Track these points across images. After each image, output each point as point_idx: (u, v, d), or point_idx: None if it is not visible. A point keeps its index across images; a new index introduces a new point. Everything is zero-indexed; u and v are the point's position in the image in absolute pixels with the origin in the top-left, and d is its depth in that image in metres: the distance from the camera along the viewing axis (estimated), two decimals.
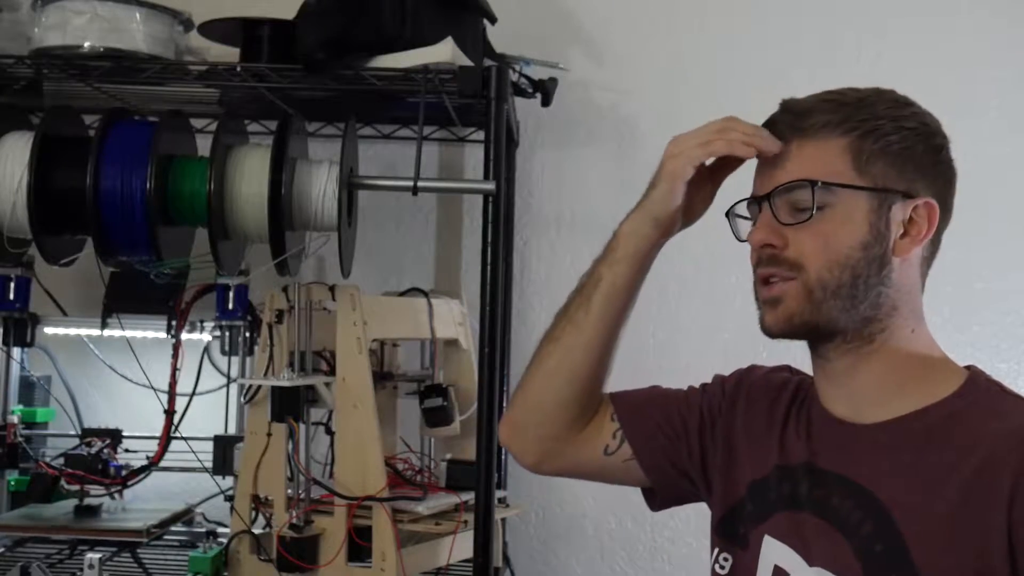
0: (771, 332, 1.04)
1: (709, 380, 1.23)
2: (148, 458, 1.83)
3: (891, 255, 1.00)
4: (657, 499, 1.25)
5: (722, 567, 1.13)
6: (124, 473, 1.81)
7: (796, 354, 1.12)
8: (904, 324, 1.02)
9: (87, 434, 1.87)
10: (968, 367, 1.04)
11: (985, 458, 0.93)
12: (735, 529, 1.11)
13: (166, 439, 1.80)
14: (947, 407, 0.99)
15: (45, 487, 1.77)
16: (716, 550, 1.14)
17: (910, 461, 0.97)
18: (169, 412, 1.81)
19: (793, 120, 1.03)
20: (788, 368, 1.19)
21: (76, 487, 1.78)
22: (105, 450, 1.81)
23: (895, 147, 1.01)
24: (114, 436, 1.86)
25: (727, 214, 1.12)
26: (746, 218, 1.10)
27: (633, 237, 1.20)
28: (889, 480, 0.98)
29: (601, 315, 1.18)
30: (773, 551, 1.05)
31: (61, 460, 1.82)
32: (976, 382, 1.01)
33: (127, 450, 1.88)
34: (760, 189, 1.06)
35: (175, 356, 1.82)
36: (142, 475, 1.82)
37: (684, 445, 1.18)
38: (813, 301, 1.00)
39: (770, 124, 1.06)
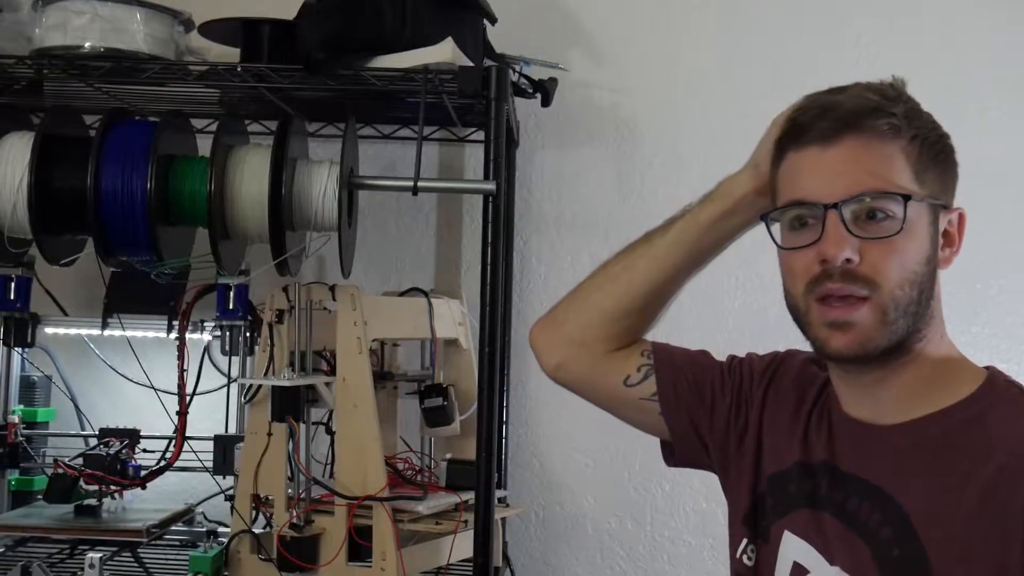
0: (841, 357, 0.98)
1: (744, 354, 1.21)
2: (165, 459, 1.82)
3: (936, 266, 0.99)
4: (675, 455, 1.23)
5: (749, 558, 1.11)
6: (144, 474, 1.81)
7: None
8: (937, 331, 1.01)
9: (105, 434, 1.87)
10: (988, 368, 1.02)
11: (1003, 465, 0.91)
12: (759, 521, 1.10)
13: (181, 440, 1.81)
14: (966, 409, 0.97)
15: (64, 487, 1.77)
16: (744, 541, 1.12)
17: (929, 464, 0.96)
18: (182, 413, 1.81)
19: (849, 117, 0.96)
20: (819, 362, 1.14)
21: (94, 487, 1.78)
22: (123, 451, 1.82)
23: (940, 156, 0.99)
24: (132, 436, 1.86)
25: (765, 218, 1.04)
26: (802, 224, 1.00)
27: (730, 181, 1.15)
28: (907, 483, 0.96)
29: (676, 240, 1.17)
30: (793, 547, 1.04)
31: (79, 460, 1.81)
32: (995, 383, 0.99)
33: (143, 450, 1.88)
34: (824, 194, 0.96)
35: (180, 357, 1.82)
36: (157, 476, 1.82)
37: (708, 419, 1.16)
38: (886, 323, 0.95)
39: (814, 119, 0.99)
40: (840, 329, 0.96)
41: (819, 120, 0.98)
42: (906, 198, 0.94)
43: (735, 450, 1.14)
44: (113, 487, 1.79)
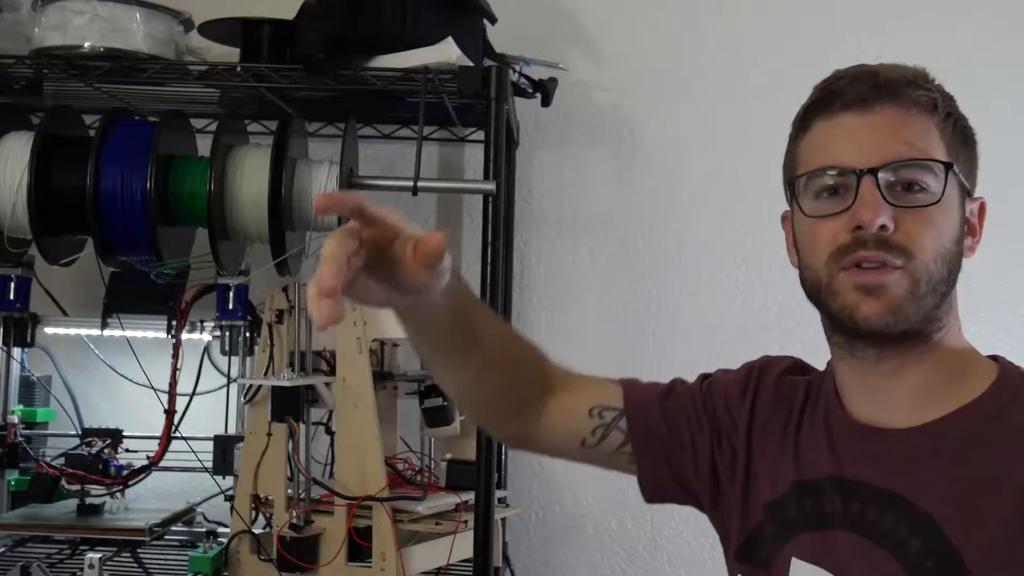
0: (869, 324, 0.90)
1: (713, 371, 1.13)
2: (148, 458, 1.83)
3: (961, 249, 0.94)
4: (654, 498, 1.15)
5: None
6: (125, 473, 1.81)
7: (799, 354, 1.11)
8: (955, 321, 0.95)
9: (87, 434, 1.87)
10: (995, 358, 0.96)
11: None
12: (756, 552, 1.01)
13: (167, 439, 1.81)
14: (986, 406, 0.91)
15: (46, 487, 1.77)
16: None
17: (953, 468, 0.89)
18: (169, 412, 1.81)
19: (888, 85, 0.92)
20: (799, 365, 1.09)
21: (77, 487, 1.78)
22: (105, 450, 1.81)
23: (969, 140, 0.96)
24: (114, 436, 1.86)
25: (789, 182, 0.98)
26: (832, 189, 0.94)
27: None
28: (931, 489, 0.89)
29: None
30: (802, 574, 0.95)
31: (62, 460, 1.81)
32: (1009, 376, 0.93)
33: (127, 450, 1.88)
34: (859, 159, 0.91)
35: (175, 356, 1.83)
36: (143, 475, 1.82)
37: (691, 465, 1.07)
38: (917, 295, 0.89)
39: (848, 85, 0.94)
40: (872, 294, 0.89)
41: (854, 86, 0.93)
42: (948, 166, 0.91)
43: (727, 483, 1.05)
44: (94, 486, 1.78)
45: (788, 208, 1.01)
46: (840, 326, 0.94)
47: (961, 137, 0.94)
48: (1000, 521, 0.85)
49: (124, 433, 1.89)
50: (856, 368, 0.96)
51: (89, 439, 1.84)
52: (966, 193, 0.95)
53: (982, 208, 0.97)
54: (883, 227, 0.89)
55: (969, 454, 0.89)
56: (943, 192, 0.90)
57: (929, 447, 0.91)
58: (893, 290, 0.89)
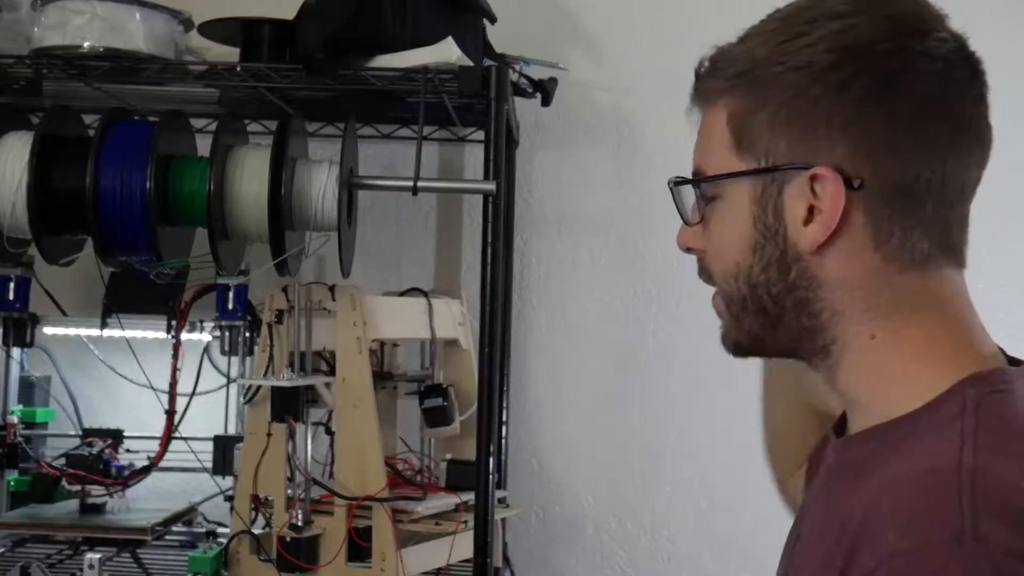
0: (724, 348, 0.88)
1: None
2: (149, 458, 1.82)
3: (797, 250, 0.76)
4: None
5: None
6: (127, 473, 1.81)
7: None
8: (858, 331, 0.76)
9: (88, 434, 1.87)
10: (972, 377, 0.73)
11: (844, 524, 0.69)
12: None
13: (167, 439, 1.80)
14: (890, 430, 0.74)
15: (46, 487, 1.77)
16: None
17: (825, 496, 0.79)
18: (170, 412, 1.81)
19: (697, 81, 0.83)
20: None
21: (77, 487, 1.77)
22: (106, 450, 1.81)
23: (775, 103, 0.75)
24: (115, 436, 1.86)
25: None
26: None
27: None
28: (806, 512, 0.83)
29: None
30: None
31: (62, 460, 1.81)
32: (950, 399, 0.71)
33: (128, 450, 1.88)
34: None
35: (175, 356, 1.82)
36: (143, 476, 1.82)
37: None
38: (733, 314, 0.82)
39: None
40: (718, 316, 0.86)
41: None
42: (680, 182, 0.82)
43: None
44: (95, 487, 1.78)
45: None
46: None
47: (758, 105, 0.76)
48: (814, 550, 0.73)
49: (124, 434, 1.89)
50: None
51: (90, 439, 1.84)
52: (787, 172, 0.75)
53: (826, 179, 0.73)
54: (688, 249, 0.85)
55: (840, 485, 0.76)
56: (704, 208, 0.81)
57: (829, 464, 0.81)
58: (720, 315, 0.84)
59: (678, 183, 0.82)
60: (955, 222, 0.77)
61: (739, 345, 0.83)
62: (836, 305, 0.76)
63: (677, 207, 0.83)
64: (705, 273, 0.84)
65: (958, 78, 0.76)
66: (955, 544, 0.61)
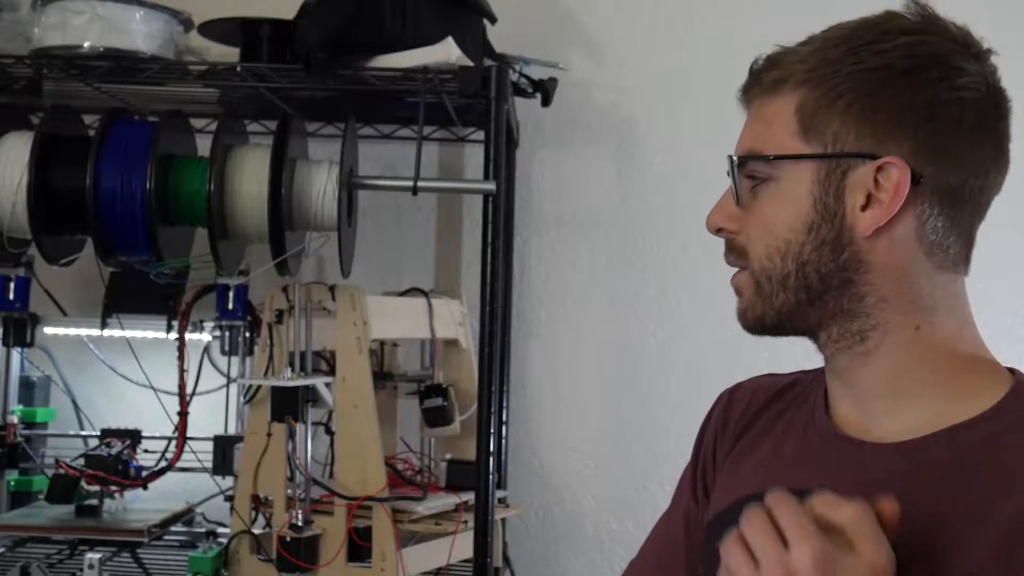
0: (740, 322, 0.90)
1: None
2: (167, 459, 1.82)
3: (850, 232, 0.82)
4: None
5: None
6: (145, 474, 1.81)
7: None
8: (904, 320, 0.82)
9: (106, 435, 1.87)
10: (1013, 371, 0.84)
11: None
12: (704, 571, 0.94)
13: (183, 440, 1.80)
14: (981, 429, 0.79)
15: (66, 488, 1.76)
16: None
17: (929, 496, 0.77)
18: (183, 413, 1.81)
19: (756, 74, 0.89)
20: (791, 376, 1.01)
21: (96, 488, 1.77)
22: (125, 451, 1.81)
23: (849, 97, 0.81)
24: (133, 437, 1.86)
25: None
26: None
27: None
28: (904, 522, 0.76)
29: None
30: None
31: (80, 461, 1.81)
32: (1022, 395, 0.80)
33: (146, 451, 1.88)
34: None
35: (180, 357, 1.82)
36: (160, 476, 1.81)
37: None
38: (762, 294, 0.86)
39: (746, 79, 0.92)
40: (736, 293, 0.90)
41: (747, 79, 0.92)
42: (741, 160, 0.86)
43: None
44: (114, 487, 1.79)
45: None
46: None
47: (832, 98, 0.82)
48: (978, 559, 0.74)
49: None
50: (826, 364, 0.90)
51: (108, 440, 1.84)
52: (853, 160, 0.81)
53: (896, 169, 0.80)
54: (720, 229, 0.89)
55: (951, 483, 0.78)
56: (752, 189, 0.86)
57: (908, 468, 0.80)
58: (743, 293, 0.88)
59: (743, 159, 0.86)
60: (975, 234, 0.86)
61: (761, 321, 0.87)
62: (883, 291, 0.82)
63: (735, 184, 0.87)
64: (736, 252, 0.88)
65: (999, 105, 0.85)
66: None
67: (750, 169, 0.86)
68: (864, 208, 0.81)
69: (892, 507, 0.74)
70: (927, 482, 0.79)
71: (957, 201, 0.82)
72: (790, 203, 0.83)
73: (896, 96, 0.81)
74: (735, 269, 0.90)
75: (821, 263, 0.83)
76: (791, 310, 0.85)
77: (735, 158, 0.87)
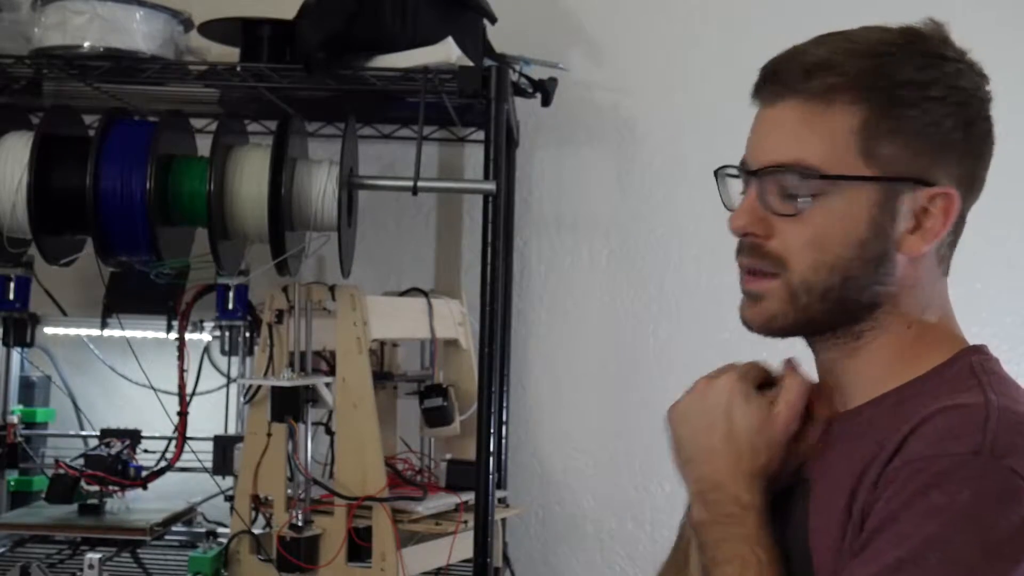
0: (750, 327, 0.91)
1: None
2: (167, 459, 1.82)
3: (894, 251, 0.86)
4: None
5: None
6: (145, 474, 1.81)
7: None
8: (900, 320, 0.88)
9: (106, 435, 1.86)
10: (971, 349, 0.89)
11: (881, 442, 0.81)
12: None
13: (182, 440, 1.80)
14: (903, 391, 0.87)
15: (66, 488, 1.76)
16: None
17: (845, 451, 0.87)
18: (183, 413, 1.81)
19: (798, 76, 0.87)
20: None
21: (96, 488, 1.77)
22: (124, 451, 1.81)
23: (914, 124, 0.84)
24: (133, 437, 1.86)
25: (716, 173, 0.97)
26: (737, 176, 0.93)
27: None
28: (826, 472, 0.88)
29: None
30: None
31: (80, 461, 1.81)
32: (955, 363, 0.87)
33: (145, 451, 1.88)
34: (750, 158, 0.90)
35: (180, 357, 1.82)
36: (160, 476, 1.81)
37: None
38: (796, 305, 0.87)
39: (771, 74, 0.91)
40: (750, 300, 0.90)
41: (765, 77, 0.91)
42: (807, 174, 0.85)
43: None
44: (114, 487, 1.78)
45: None
46: None
47: (898, 122, 0.84)
48: (841, 504, 0.82)
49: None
50: (815, 358, 0.95)
51: (108, 440, 1.84)
52: (908, 183, 0.85)
53: (947, 199, 0.86)
54: (747, 234, 0.88)
55: (861, 439, 0.85)
56: (815, 197, 0.85)
57: (841, 431, 0.90)
58: (769, 299, 0.88)
59: (787, 167, 0.86)
60: None
61: (787, 329, 0.90)
62: (896, 300, 0.88)
63: (764, 189, 0.87)
64: (769, 259, 0.88)
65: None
66: (971, 456, 0.76)
67: (796, 179, 0.85)
68: (912, 231, 0.86)
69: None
70: (849, 438, 0.87)
71: (963, 218, 0.90)
72: (846, 221, 0.85)
73: (954, 130, 0.85)
74: (737, 269, 0.91)
75: (862, 278, 0.86)
76: (816, 318, 0.88)
77: (778, 164, 0.86)
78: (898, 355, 0.89)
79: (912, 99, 0.85)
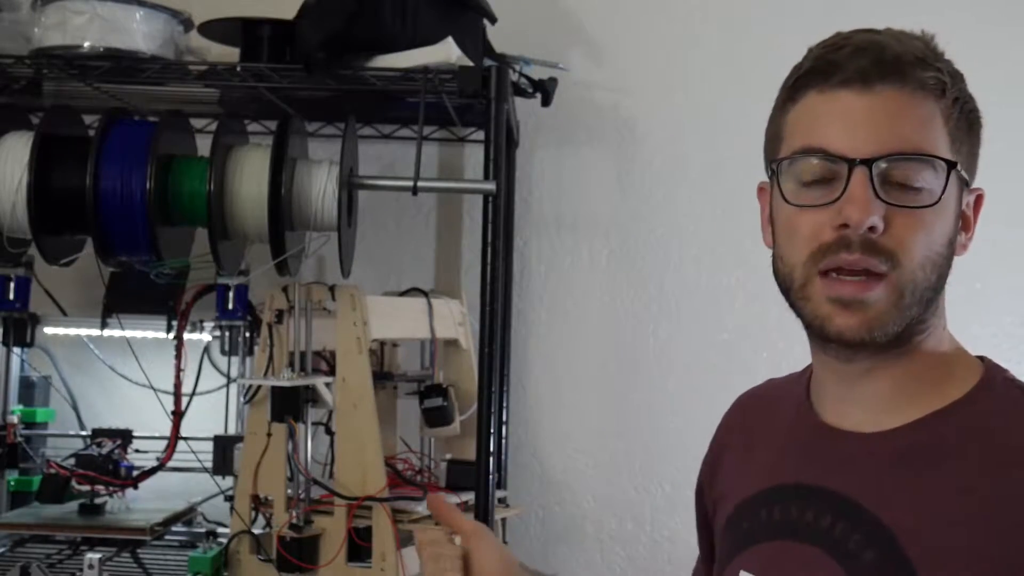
0: (843, 338, 0.83)
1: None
2: (158, 459, 1.82)
3: (953, 250, 0.86)
4: None
5: None
6: (136, 474, 1.81)
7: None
8: (939, 322, 0.87)
9: (97, 434, 1.86)
10: (982, 359, 0.88)
11: (1009, 480, 0.78)
12: (718, 573, 1.00)
13: (175, 440, 1.80)
14: (960, 412, 0.83)
15: (56, 488, 1.76)
16: None
17: (917, 478, 0.82)
18: (176, 413, 1.81)
19: (894, 63, 0.82)
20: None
21: (87, 487, 1.77)
22: (116, 451, 1.81)
23: (974, 127, 0.87)
24: (124, 436, 1.86)
25: (773, 164, 0.88)
26: (832, 162, 0.83)
27: None
28: (892, 499, 0.82)
29: None
30: None
31: (71, 460, 1.81)
32: (992, 383, 0.85)
33: (137, 450, 1.88)
34: (852, 147, 0.81)
35: (178, 357, 1.82)
36: (150, 476, 1.81)
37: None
38: (900, 307, 0.81)
39: (850, 57, 0.84)
40: (849, 308, 0.81)
41: (856, 60, 0.82)
42: (951, 166, 0.81)
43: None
44: (103, 487, 1.78)
45: (767, 180, 0.91)
46: (810, 330, 0.87)
47: (966, 123, 0.85)
48: (962, 534, 0.77)
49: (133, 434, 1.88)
50: (828, 365, 0.89)
51: (99, 439, 1.84)
52: (965, 186, 0.86)
53: (979, 200, 0.88)
54: (872, 228, 0.80)
55: (936, 463, 0.81)
56: (943, 192, 0.81)
57: (895, 454, 0.83)
58: (874, 305, 0.81)
59: (918, 160, 0.82)
60: None
61: (888, 334, 0.83)
62: (939, 301, 0.87)
63: (902, 180, 0.81)
64: (884, 255, 0.81)
65: None
66: None
67: (918, 170, 0.81)
68: (963, 229, 0.87)
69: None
70: (912, 464, 0.82)
71: None
72: (947, 215, 0.83)
73: (979, 136, 0.88)
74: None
75: (945, 277, 0.85)
76: (908, 326, 0.83)
77: (918, 153, 0.81)
78: (937, 362, 0.86)
79: (973, 103, 0.86)
